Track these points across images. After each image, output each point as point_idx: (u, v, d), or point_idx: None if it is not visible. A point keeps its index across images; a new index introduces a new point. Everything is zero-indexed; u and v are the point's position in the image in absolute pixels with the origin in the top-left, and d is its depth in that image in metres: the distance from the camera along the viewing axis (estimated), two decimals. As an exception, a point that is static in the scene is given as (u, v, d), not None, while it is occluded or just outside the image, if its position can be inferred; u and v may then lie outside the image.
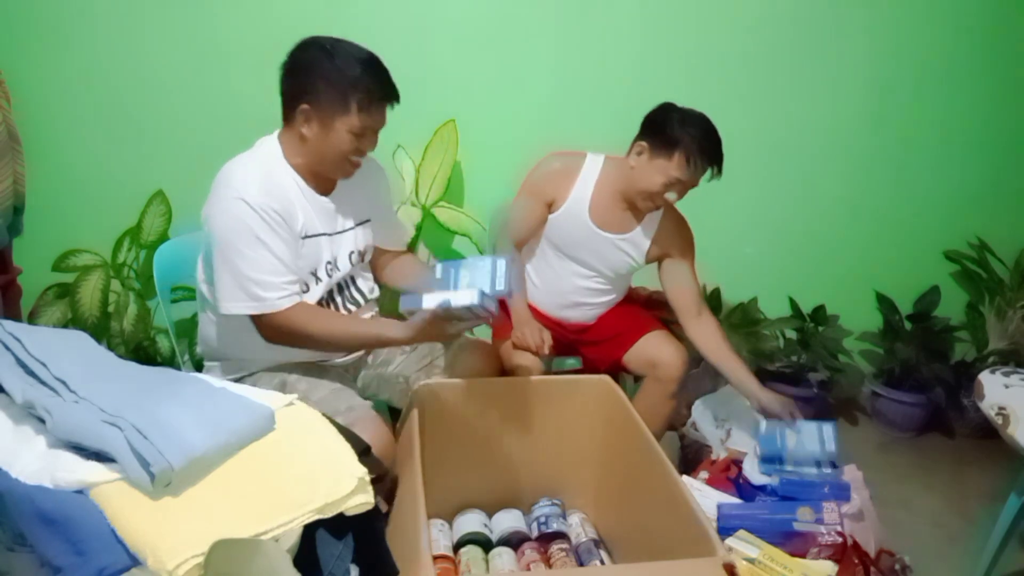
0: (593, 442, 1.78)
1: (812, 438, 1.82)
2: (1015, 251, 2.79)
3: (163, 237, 2.27)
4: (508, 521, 1.78)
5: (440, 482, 1.61)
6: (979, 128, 2.72)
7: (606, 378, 1.77)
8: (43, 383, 1.16)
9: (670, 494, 1.39)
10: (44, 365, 1.17)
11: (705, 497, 1.68)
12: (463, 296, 1.43)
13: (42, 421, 1.11)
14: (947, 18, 2.58)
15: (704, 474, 1.82)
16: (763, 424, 1.86)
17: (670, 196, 1.87)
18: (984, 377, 1.87)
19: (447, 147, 2.34)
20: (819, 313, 2.73)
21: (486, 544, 1.71)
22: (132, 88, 2.30)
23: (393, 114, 1.58)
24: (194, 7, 2.26)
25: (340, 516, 1.13)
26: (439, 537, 1.71)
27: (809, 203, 2.74)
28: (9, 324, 1.26)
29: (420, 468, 1.41)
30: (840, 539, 1.54)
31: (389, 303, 1.94)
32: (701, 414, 2.09)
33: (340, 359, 1.73)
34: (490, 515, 1.82)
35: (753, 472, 1.80)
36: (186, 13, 2.26)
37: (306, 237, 1.58)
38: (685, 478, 1.68)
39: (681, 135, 1.81)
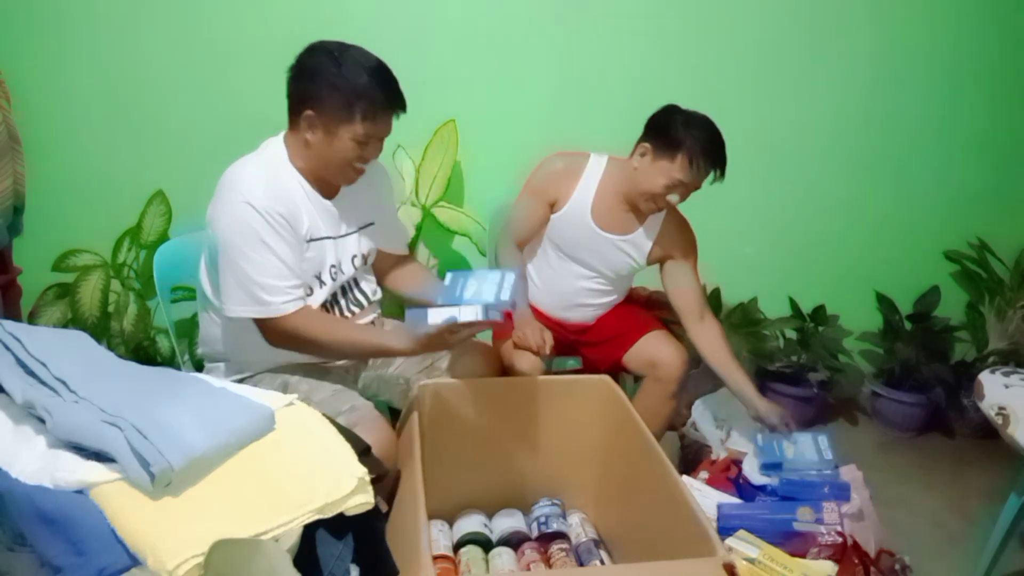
0: (593, 442, 1.78)
1: (809, 448, 1.82)
2: (1015, 251, 2.79)
3: (163, 237, 2.27)
4: (508, 521, 1.78)
5: (440, 482, 1.61)
6: (979, 128, 2.72)
7: (606, 378, 1.77)
8: (43, 383, 1.16)
9: (670, 494, 1.39)
10: (44, 365, 1.17)
11: (705, 497, 1.68)
12: (468, 312, 1.44)
13: (42, 421, 1.11)
14: (947, 18, 2.58)
15: (704, 474, 1.82)
16: (759, 436, 1.86)
17: (672, 198, 1.87)
18: (984, 377, 1.87)
19: (447, 147, 2.34)
20: (819, 313, 2.73)
21: (486, 544, 1.71)
22: (132, 88, 2.30)
23: (393, 114, 1.58)
24: (194, 7, 2.26)
25: (340, 516, 1.13)
26: (439, 537, 1.71)
27: (809, 203, 2.74)
28: (9, 324, 1.27)
29: (420, 468, 1.41)
30: (840, 539, 1.54)
31: (391, 305, 1.94)
32: (701, 414, 2.09)
33: (341, 360, 1.73)
34: (490, 515, 1.82)
35: (753, 472, 1.80)
36: (186, 12, 2.26)
37: (311, 241, 1.58)
38: (685, 478, 1.68)
39: (684, 137, 1.81)
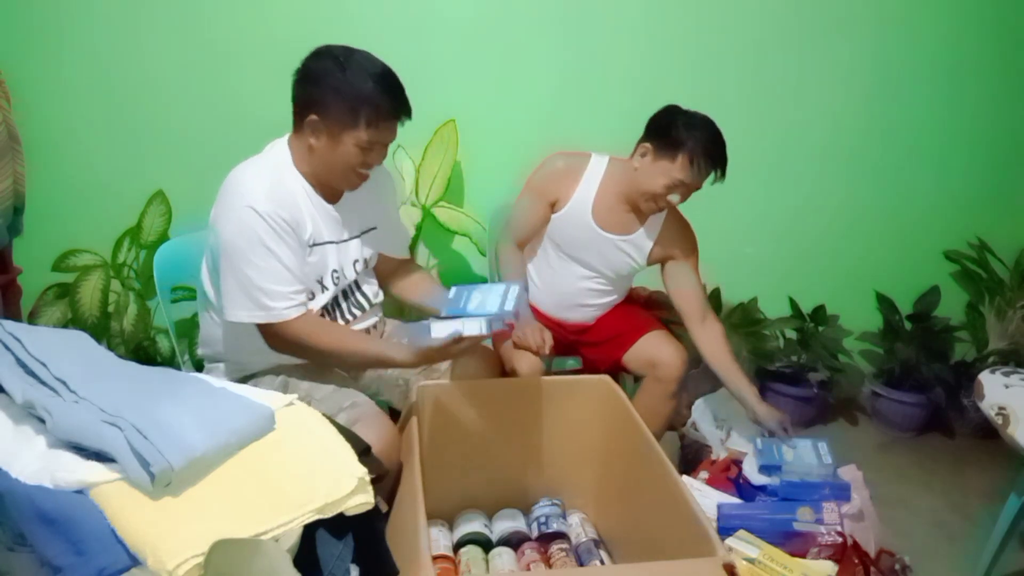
0: (593, 442, 1.78)
1: (808, 452, 1.82)
2: (1015, 251, 2.79)
3: (163, 237, 2.27)
4: (508, 521, 1.78)
5: (440, 482, 1.62)
6: (979, 128, 2.72)
7: (606, 378, 1.77)
8: (43, 383, 1.16)
9: (670, 494, 1.39)
10: (44, 365, 1.17)
11: (705, 497, 1.68)
12: (472, 326, 1.45)
13: (42, 421, 1.11)
14: (947, 18, 2.58)
15: (704, 474, 1.82)
16: (759, 441, 1.86)
17: (673, 198, 1.87)
18: (984, 377, 1.87)
19: (447, 147, 2.34)
20: (819, 313, 2.73)
21: (486, 544, 1.71)
22: (132, 88, 2.30)
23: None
24: (194, 7, 2.26)
25: (340, 516, 1.13)
26: (439, 537, 1.71)
27: (809, 203, 2.74)
28: (9, 324, 1.27)
29: (420, 468, 1.41)
30: (840, 539, 1.55)
31: (390, 306, 1.94)
32: (701, 414, 2.09)
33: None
34: (490, 515, 1.82)
35: (753, 472, 1.80)
36: (186, 12, 2.26)
37: (313, 245, 1.58)
38: (685, 478, 1.68)
39: (685, 137, 1.81)
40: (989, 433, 2.04)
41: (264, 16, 2.29)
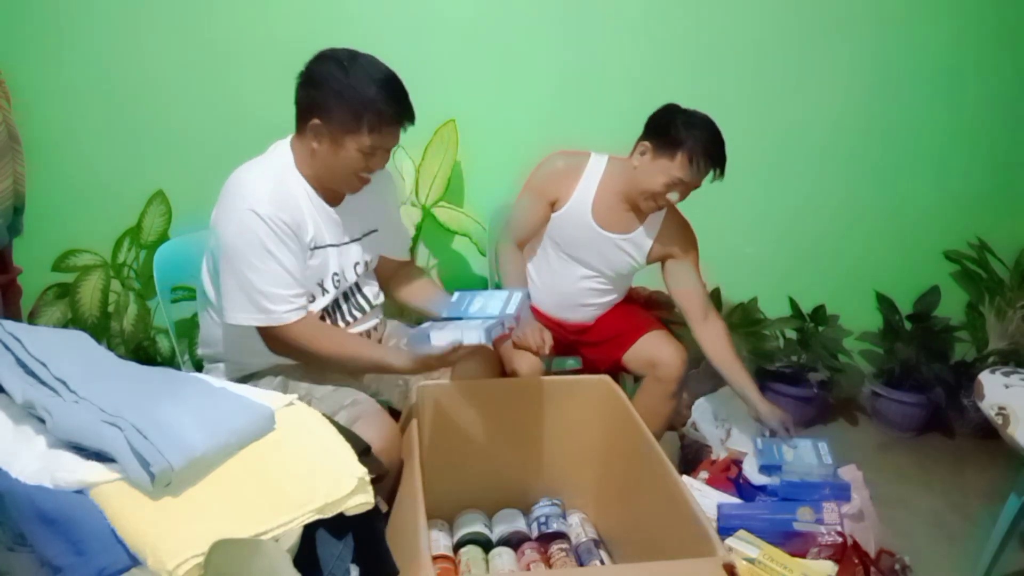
0: (593, 442, 1.78)
1: (809, 453, 1.82)
2: (1015, 251, 2.79)
3: (163, 237, 2.27)
4: (508, 521, 1.78)
5: (440, 482, 1.61)
6: (979, 128, 2.72)
7: (606, 378, 1.77)
8: (43, 383, 1.16)
9: (670, 494, 1.39)
10: (44, 365, 1.17)
11: (705, 497, 1.68)
12: (472, 336, 1.45)
13: (42, 421, 1.11)
14: (947, 19, 2.58)
15: (704, 474, 1.82)
16: (759, 441, 1.86)
17: (672, 196, 1.87)
18: (984, 377, 1.87)
19: (447, 147, 2.34)
20: (819, 313, 2.73)
21: (486, 544, 1.71)
22: (132, 88, 2.30)
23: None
24: (194, 7, 2.26)
25: (340, 516, 1.13)
26: (439, 537, 1.71)
27: (809, 203, 2.74)
28: (9, 324, 1.27)
29: (420, 468, 1.41)
30: (840, 539, 1.55)
31: (392, 307, 1.93)
32: (701, 414, 2.10)
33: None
34: (490, 515, 1.82)
35: (753, 472, 1.80)
36: (186, 12, 2.26)
37: (315, 248, 1.57)
38: (685, 478, 1.68)
39: (685, 136, 1.81)
40: (989, 433, 2.04)
41: (264, 16, 2.29)
